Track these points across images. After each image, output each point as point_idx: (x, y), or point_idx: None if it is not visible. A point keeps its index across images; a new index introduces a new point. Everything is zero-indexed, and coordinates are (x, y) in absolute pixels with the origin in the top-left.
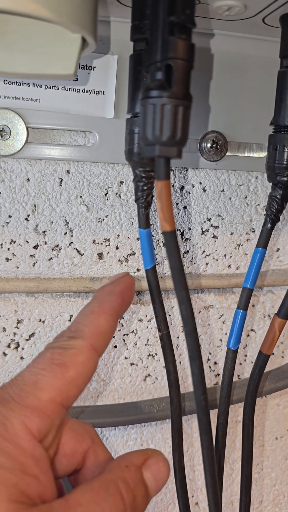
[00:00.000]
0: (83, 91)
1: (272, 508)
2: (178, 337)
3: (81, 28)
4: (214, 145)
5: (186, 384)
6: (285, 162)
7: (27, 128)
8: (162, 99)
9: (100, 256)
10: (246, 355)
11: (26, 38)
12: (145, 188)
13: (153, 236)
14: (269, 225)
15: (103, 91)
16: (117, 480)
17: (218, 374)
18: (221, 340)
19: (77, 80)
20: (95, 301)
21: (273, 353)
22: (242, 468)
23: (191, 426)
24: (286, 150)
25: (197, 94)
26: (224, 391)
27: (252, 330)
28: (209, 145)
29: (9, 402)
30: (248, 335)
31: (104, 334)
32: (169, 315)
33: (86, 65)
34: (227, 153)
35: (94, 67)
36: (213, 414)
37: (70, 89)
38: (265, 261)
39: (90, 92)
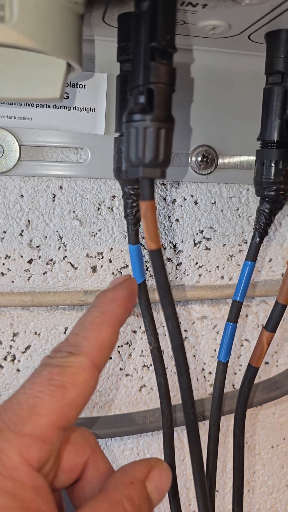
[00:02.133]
0: (74, 108)
1: None
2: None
3: (65, 54)
4: (204, 159)
5: (179, 396)
6: (272, 177)
7: (19, 146)
8: (145, 122)
9: (94, 269)
10: (241, 365)
11: (13, 65)
12: (134, 205)
13: (144, 249)
14: (257, 238)
15: (94, 108)
16: (122, 500)
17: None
18: (215, 350)
19: (68, 98)
20: (96, 310)
21: (267, 363)
22: (233, 479)
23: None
24: (272, 165)
25: (187, 108)
26: (215, 403)
27: (246, 340)
28: (199, 159)
29: (4, 431)
30: (242, 345)
31: (105, 348)
32: (163, 326)
33: (77, 83)
34: (218, 166)
35: (84, 85)
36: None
37: (61, 107)
38: (257, 272)
39: (81, 110)
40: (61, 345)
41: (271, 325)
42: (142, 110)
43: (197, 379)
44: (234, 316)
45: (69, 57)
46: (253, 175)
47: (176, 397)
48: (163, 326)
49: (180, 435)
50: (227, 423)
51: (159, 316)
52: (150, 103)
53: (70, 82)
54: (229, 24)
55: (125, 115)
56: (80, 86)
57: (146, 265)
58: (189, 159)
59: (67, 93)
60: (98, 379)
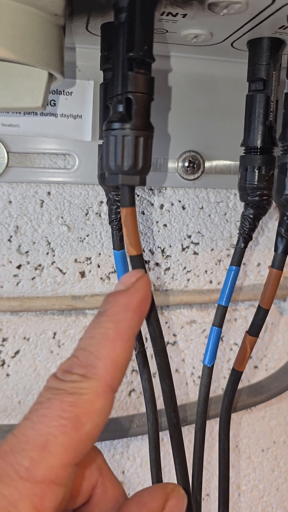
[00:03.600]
0: (61, 115)
1: None
2: None
3: (46, 65)
4: (191, 165)
5: None
6: (255, 183)
7: (7, 153)
8: (123, 131)
9: (82, 274)
10: (230, 369)
11: None
12: (118, 210)
13: None
14: (242, 243)
15: (81, 115)
16: None
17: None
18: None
19: (55, 105)
20: (108, 320)
21: (256, 367)
22: (219, 482)
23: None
24: (256, 171)
25: (172, 114)
26: (201, 407)
27: (235, 344)
28: (186, 164)
29: (14, 480)
30: (231, 349)
31: (121, 367)
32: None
33: (63, 91)
34: (205, 172)
35: (71, 92)
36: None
37: (49, 114)
38: (246, 276)
39: (68, 117)
40: (71, 363)
41: (254, 330)
42: (121, 119)
43: (186, 383)
44: (219, 321)
45: (50, 67)
46: (237, 181)
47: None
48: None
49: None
50: (217, 426)
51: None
52: (129, 112)
53: (57, 89)
54: (210, 32)
55: (105, 124)
56: (67, 93)
57: None
58: (176, 164)
59: (54, 101)
60: (114, 401)
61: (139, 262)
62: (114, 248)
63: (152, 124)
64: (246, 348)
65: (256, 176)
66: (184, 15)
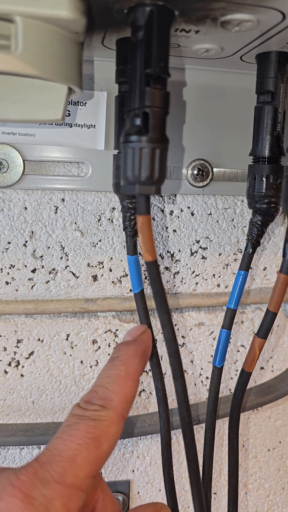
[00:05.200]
0: (75, 125)
1: None
2: None
3: (66, 80)
4: (200, 172)
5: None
6: (263, 191)
7: (23, 161)
8: (140, 143)
9: (95, 278)
10: (237, 370)
11: (17, 89)
12: (132, 218)
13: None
14: (250, 249)
15: (94, 125)
16: None
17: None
18: (212, 355)
19: (69, 115)
20: (121, 364)
21: (262, 368)
22: (228, 480)
23: None
24: (264, 179)
25: (182, 124)
26: (210, 407)
27: (242, 346)
28: (195, 172)
29: (50, 483)
30: (238, 351)
31: (130, 401)
32: (161, 333)
33: (78, 101)
34: (213, 179)
35: (85, 103)
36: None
37: (63, 124)
38: (253, 280)
39: (82, 126)
40: (91, 396)
41: (263, 332)
42: (138, 132)
43: (195, 384)
44: (228, 323)
45: (70, 82)
46: (246, 189)
47: (173, 401)
48: (162, 333)
49: (179, 438)
50: (225, 426)
51: (158, 323)
52: (146, 125)
53: (71, 100)
54: (221, 47)
55: (122, 136)
56: (81, 104)
57: (144, 274)
58: (186, 172)
59: (69, 111)
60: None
61: (154, 267)
62: (128, 254)
63: (167, 136)
64: (255, 350)
65: (264, 185)
66: (197, 32)
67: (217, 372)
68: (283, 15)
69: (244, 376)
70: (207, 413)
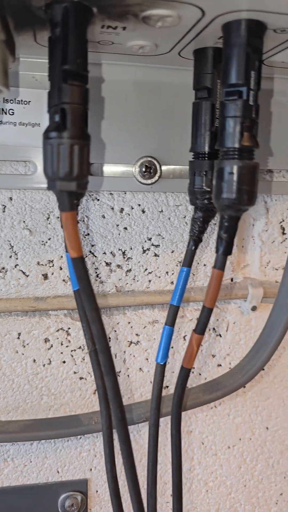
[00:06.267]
0: (20, 124)
1: None
2: (124, 352)
3: None
4: (148, 169)
5: (126, 397)
6: (203, 187)
7: None
8: (59, 139)
9: (45, 276)
10: (194, 367)
11: None
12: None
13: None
14: (193, 246)
15: (39, 123)
16: None
17: (167, 386)
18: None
19: (13, 114)
20: None
21: (220, 365)
22: (172, 476)
23: (142, 437)
24: (203, 175)
25: (129, 122)
26: (154, 403)
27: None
28: (143, 169)
29: None
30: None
31: None
32: (115, 331)
33: (22, 100)
34: (162, 176)
35: (29, 101)
36: (164, 423)
37: (8, 123)
38: (208, 277)
39: (26, 125)
40: None
41: (199, 328)
42: (56, 128)
43: (150, 382)
44: (171, 320)
45: None
46: (187, 185)
47: (128, 399)
48: (115, 331)
49: (136, 437)
50: (190, 421)
51: (111, 321)
52: (64, 121)
53: (14, 98)
54: (154, 43)
55: (43, 133)
56: (25, 102)
57: (96, 272)
58: (133, 169)
59: (12, 110)
60: None
61: (81, 264)
62: (66, 251)
63: (87, 133)
64: (193, 346)
65: (204, 181)
66: (124, 28)
67: (160, 369)
68: (202, 10)
69: (184, 372)
70: (150, 410)
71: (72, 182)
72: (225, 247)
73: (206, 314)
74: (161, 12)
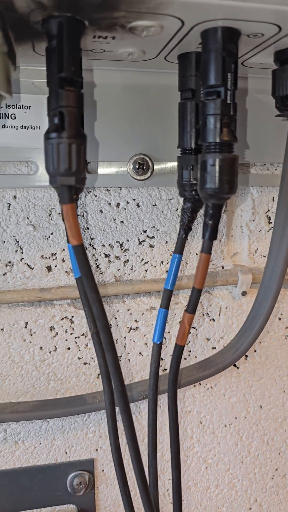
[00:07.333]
0: (21, 127)
1: (228, 491)
2: (125, 337)
3: None
4: (141, 166)
5: (125, 376)
6: (191, 180)
7: None
8: (58, 139)
9: (49, 269)
10: (190, 351)
11: None
12: None
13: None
14: (183, 234)
15: (39, 126)
16: None
17: (165, 369)
18: (165, 338)
19: (15, 118)
20: None
21: (214, 348)
22: (170, 447)
23: (144, 418)
24: (190, 169)
25: (121, 122)
26: (152, 380)
27: (193, 327)
28: (136, 166)
29: None
30: (190, 332)
31: None
32: (115, 318)
33: (23, 105)
34: (154, 172)
35: (29, 106)
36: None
37: (10, 126)
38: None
39: (28, 128)
40: None
41: (190, 308)
42: (56, 129)
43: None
44: (165, 303)
45: None
46: (176, 179)
47: (128, 380)
48: (115, 318)
49: (138, 417)
50: (182, 404)
51: (111, 309)
52: (62, 123)
53: (16, 104)
54: (142, 50)
55: (44, 134)
56: (26, 107)
57: (95, 261)
58: (127, 167)
59: (14, 114)
60: None
61: (81, 250)
62: (68, 242)
63: (83, 133)
64: (185, 324)
65: (191, 174)
66: (113, 37)
67: (157, 348)
68: (181, 20)
69: (177, 349)
70: (149, 387)
71: (71, 177)
72: (211, 233)
73: (196, 295)
74: (145, 23)
